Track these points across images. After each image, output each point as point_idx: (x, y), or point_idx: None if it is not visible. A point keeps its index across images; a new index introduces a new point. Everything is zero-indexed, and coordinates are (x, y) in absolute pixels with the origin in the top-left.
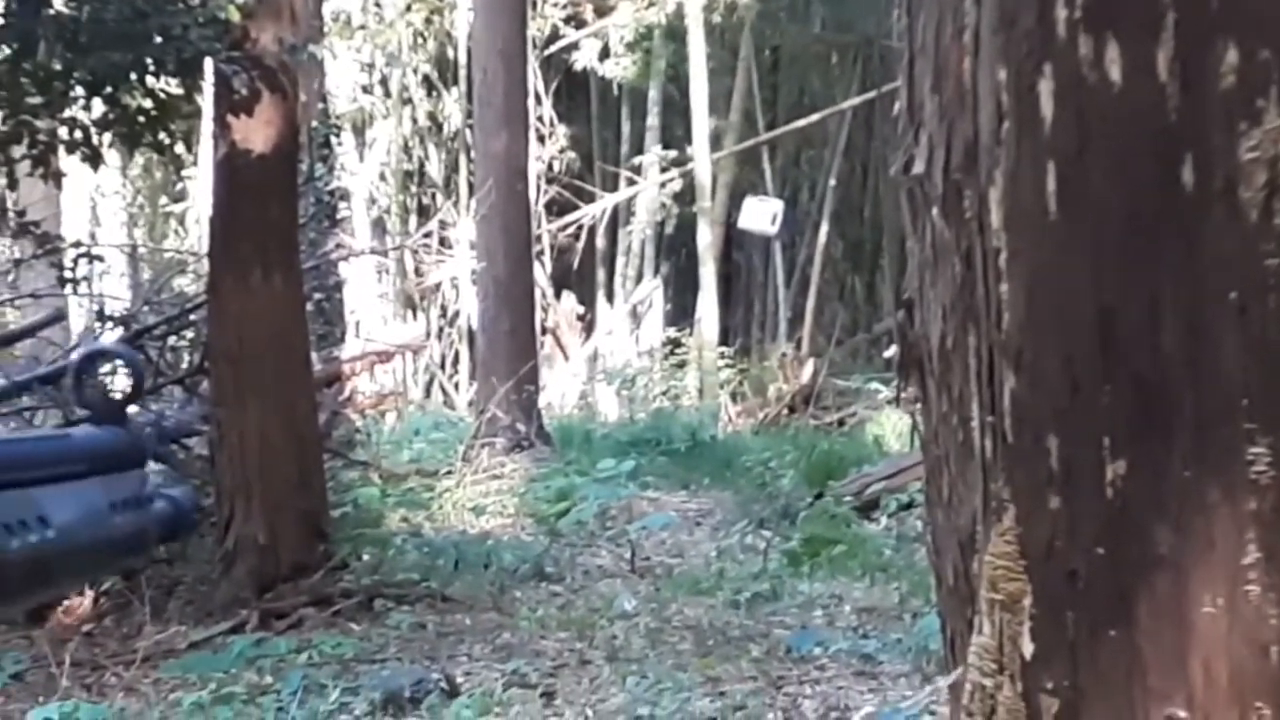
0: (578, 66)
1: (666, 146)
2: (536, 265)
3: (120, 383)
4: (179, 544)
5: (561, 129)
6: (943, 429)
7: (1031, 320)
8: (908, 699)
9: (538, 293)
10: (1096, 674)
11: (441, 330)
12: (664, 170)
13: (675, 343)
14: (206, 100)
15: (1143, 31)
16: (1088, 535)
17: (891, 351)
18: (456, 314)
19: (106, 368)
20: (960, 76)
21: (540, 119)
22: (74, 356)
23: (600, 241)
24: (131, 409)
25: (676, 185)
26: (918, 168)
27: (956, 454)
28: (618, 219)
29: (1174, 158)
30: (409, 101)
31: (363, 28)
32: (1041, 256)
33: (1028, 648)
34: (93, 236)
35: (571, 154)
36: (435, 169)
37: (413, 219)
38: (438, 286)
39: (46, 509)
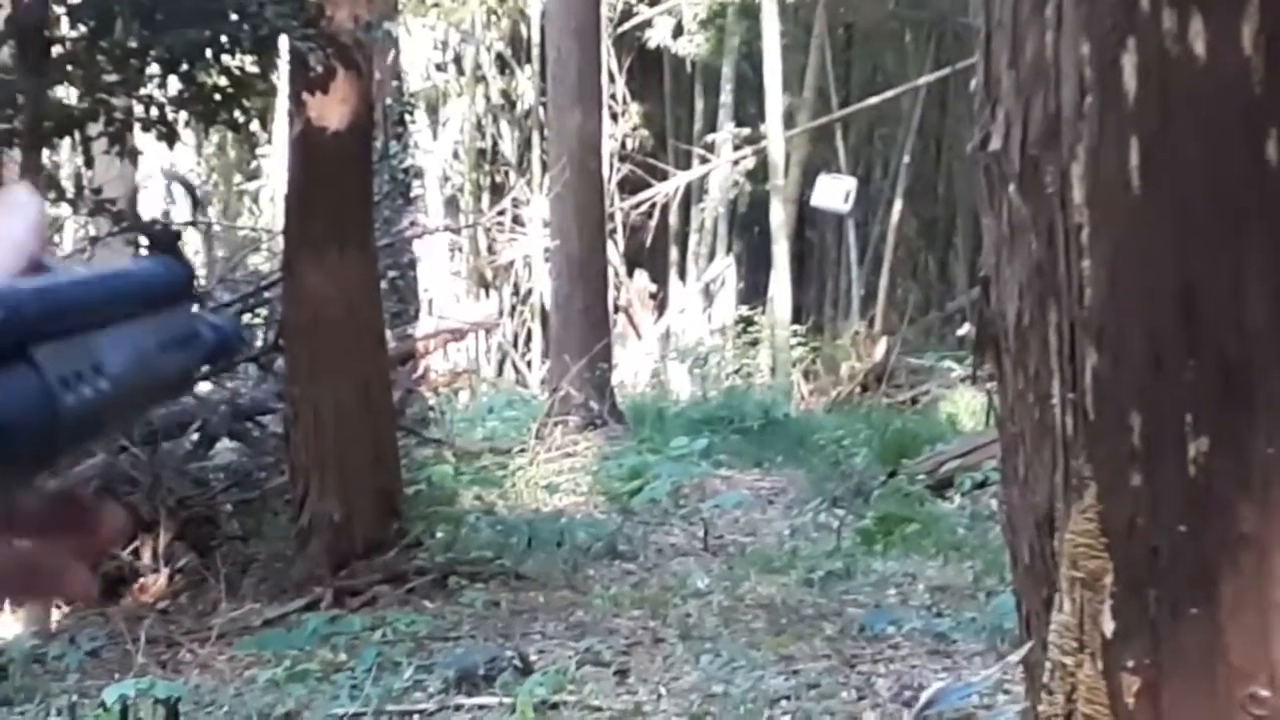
0: (651, 44)
1: (739, 124)
2: (609, 243)
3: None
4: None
5: (635, 107)
6: (1019, 406)
7: (1114, 296)
8: (983, 678)
9: (610, 271)
10: (1178, 652)
11: (514, 308)
12: (737, 148)
13: (748, 321)
14: (282, 78)
15: (1228, 5)
16: (1170, 513)
17: (966, 329)
18: (529, 292)
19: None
20: (1040, 51)
21: (613, 97)
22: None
23: (673, 219)
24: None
25: (749, 163)
26: (994, 144)
27: (1033, 431)
28: (690, 197)
29: (1259, 132)
30: (482, 79)
31: (436, 5)
32: (1124, 232)
33: (1109, 626)
34: (167, 214)
35: (644, 132)
36: (508, 147)
37: (486, 197)
38: (511, 264)
39: (102, 356)
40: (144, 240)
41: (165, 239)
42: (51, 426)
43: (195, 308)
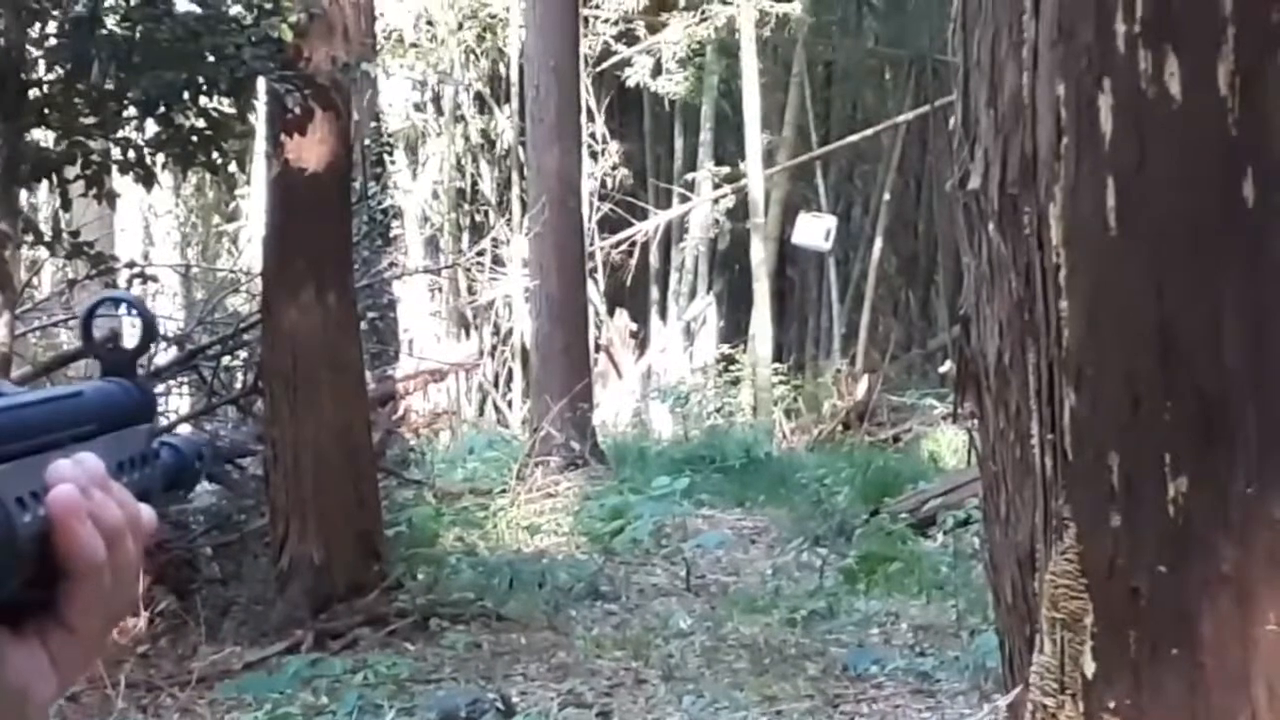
0: (630, 83)
1: (719, 162)
2: (590, 282)
3: (132, 333)
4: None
5: (614, 145)
6: (1000, 445)
7: (1092, 337)
8: (966, 717)
9: (591, 310)
10: (1159, 693)
11: (495, 348)
12: (717, 186)
13: (729, 359)
14: (260, 119)
15: (1203, 44)
16: (1150, 553)
17: (947, 367)
18: (510, 332)
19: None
20: (1018, 91)
21: (593, 135)
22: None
23: (653, 258)
24: (140, 361)
25: (729, 201)
26: (973, 183)
27: (1014, 470)
28: (671, 235)
29: (1235, 171)
30: (461, 119)
31: (415, 45)
32: (1102, 272)
33: (1089, 666)
34: (146, 256)
35: (624, 170)
36: (488, 186)
37: (465, 237)
38: (491, 304)
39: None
40: (97, 364)
41: (120, 361)
42: (10, 549)
43: (152, 429)
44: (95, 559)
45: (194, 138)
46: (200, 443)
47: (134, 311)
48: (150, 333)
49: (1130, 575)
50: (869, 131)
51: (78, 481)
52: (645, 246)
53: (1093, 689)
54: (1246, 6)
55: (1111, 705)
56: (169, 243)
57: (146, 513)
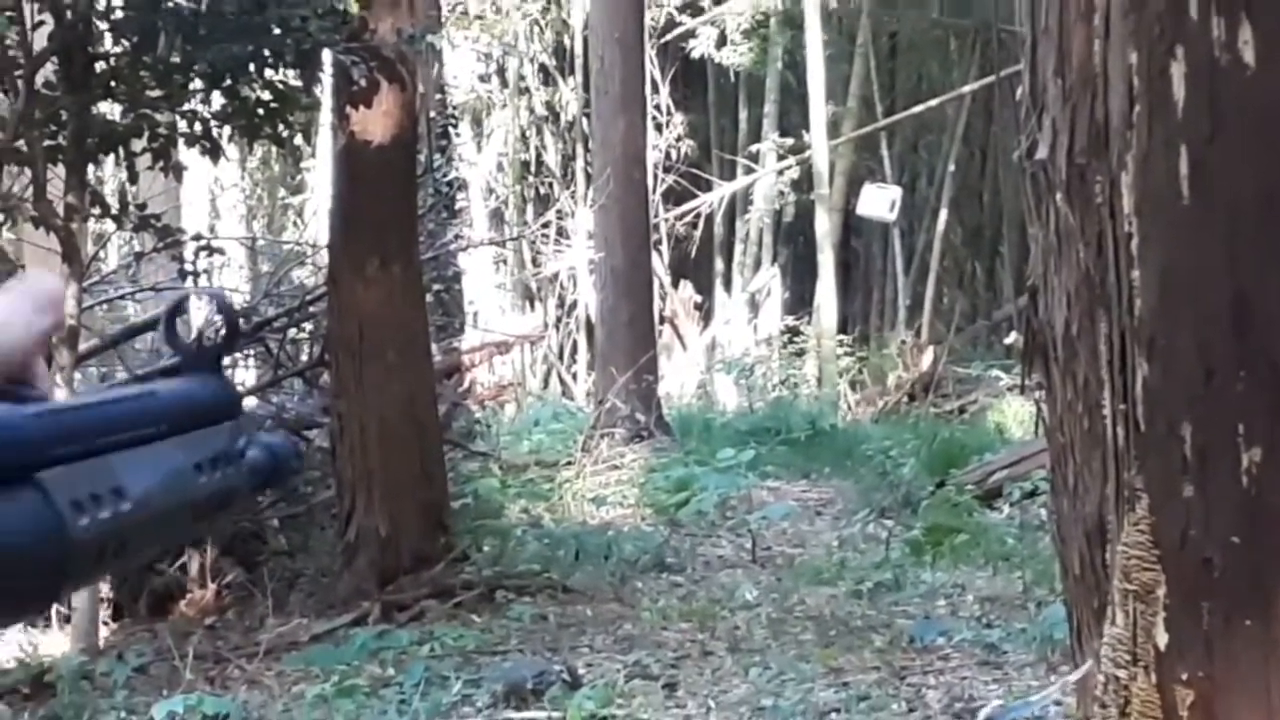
0: (695, 54)
1: (784, 134)
2: (654, 254)
3: (215, 330)
4: (298, 530)
5: (679, 117)
6: (1068, 416)
7: (1164, 306)
8: (1034, 689)
9: (656, 282)
10: (1232, 665)
11: (559, 320)
12: (781, 158)
13: (794, 331)
14: (325, 92)
15: (1278, 12)
16: (1223, 524)
17: (1013, 338)
18: (574, 304)
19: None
20: (1087, 59)
21: (657, 107)
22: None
23: (718, 230)
24: (225, 358)
25: (794, 173)
26: (1041, 152)
27: (1082, 442)
28: (735, 207)
29: None
30: (526, 91)
31: (480, 17)
32: (1174, 241)
33: (1162, 639)
34: (212, 229)
35: (689, 142)
36: (552, 158)
37: (530, 209)
38: (556, 276)
39: (123, 478)
40: (180, 358)
41: (202, 357)
42: (61, 552)
43: (243, 425)
44: None
45: (260, 110)
46: (294, 442)
47: (217, 308)
48: (234, 330)
49: (1203, 546)
50: (934, 102)
51: None
52: (710, 218)
53: (1165, 661)
54: None
55: (1184, 677)
56: (235, 216)
57: None
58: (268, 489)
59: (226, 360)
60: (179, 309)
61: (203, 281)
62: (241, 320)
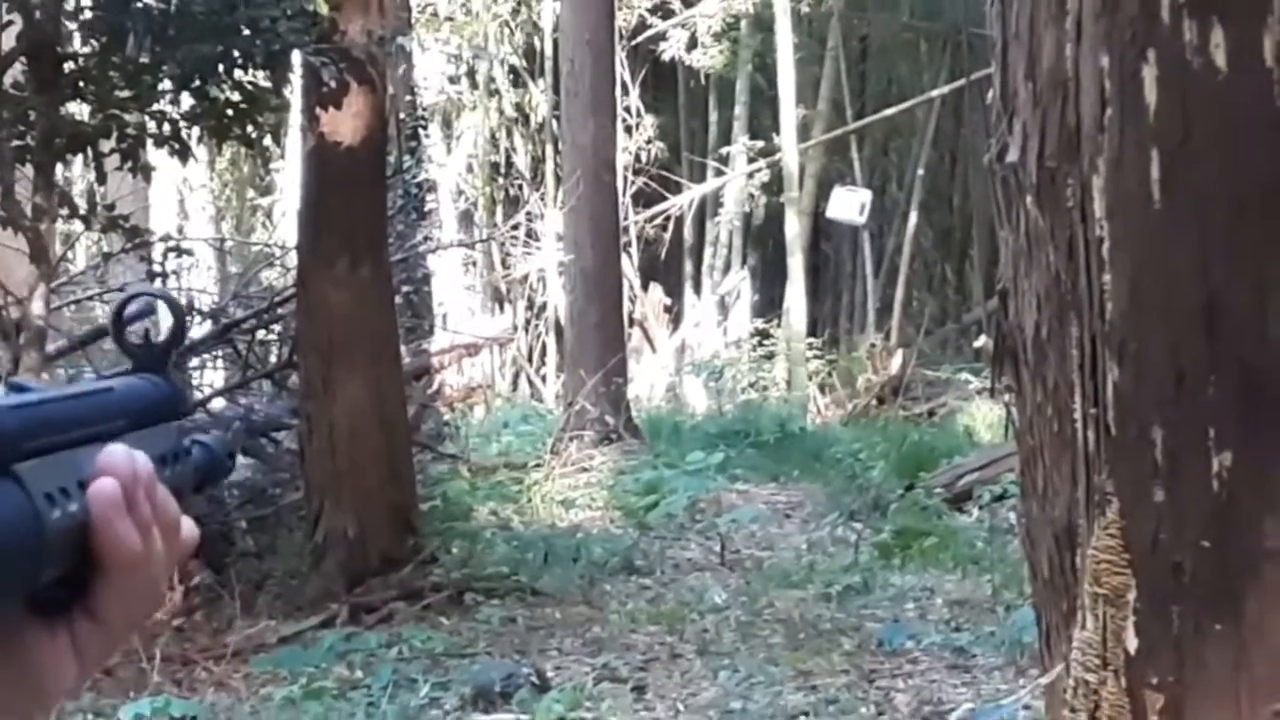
0: (665, 56)
1: (754, 136)
2: (624, 256)
3: (163, 328)
4: (263, 535)
5: (649, 119)
6: (1038, 420)
7: (1136, 310)
8: (1003, 693)
9: (625, 284)
10: (1202, 669)
11: (529, 322)
12: (751, 160)
13: (763, 334)
14: (295, 93)
15: (1249, 16)
16: (1193, 528)
17: (982, 341)
18: (544, 306)
19: (143, 312)
20: (1058, 63)
21: (627, 109)
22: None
23: (688, 232)
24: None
25: (764, 175)
26: (1012, 155)
27: (1052, 445)
28: (705, 209)
29: None
30: (496, 93)
31: (450, 19)
32: (1146, 245)
33: (1132, 643)
34: (181, 230)
35: (659, 144)
36: (522, 160)
37: (500, 211)
38: (525, 278)
39: (86, 472)
40: (128, 359)
41: (151, 356)
42: (38, 544)
43: (182, 426)
44: (132, 556)
45: (229, 111)
46: (230, 441)
47: (166, 307)
48: (181, 328)
49: (1174, 551)
50: (904, 105)
51: (123, 475)
52: (680, 221)
53: (1135, 665)
54: None
55: (1154, 681)
56: (204, 216)
57: (188, 524)
58: (206, 487)
59: (195, 361)
60: (126, 306)
61: (171, 282)
62: (209, 323)
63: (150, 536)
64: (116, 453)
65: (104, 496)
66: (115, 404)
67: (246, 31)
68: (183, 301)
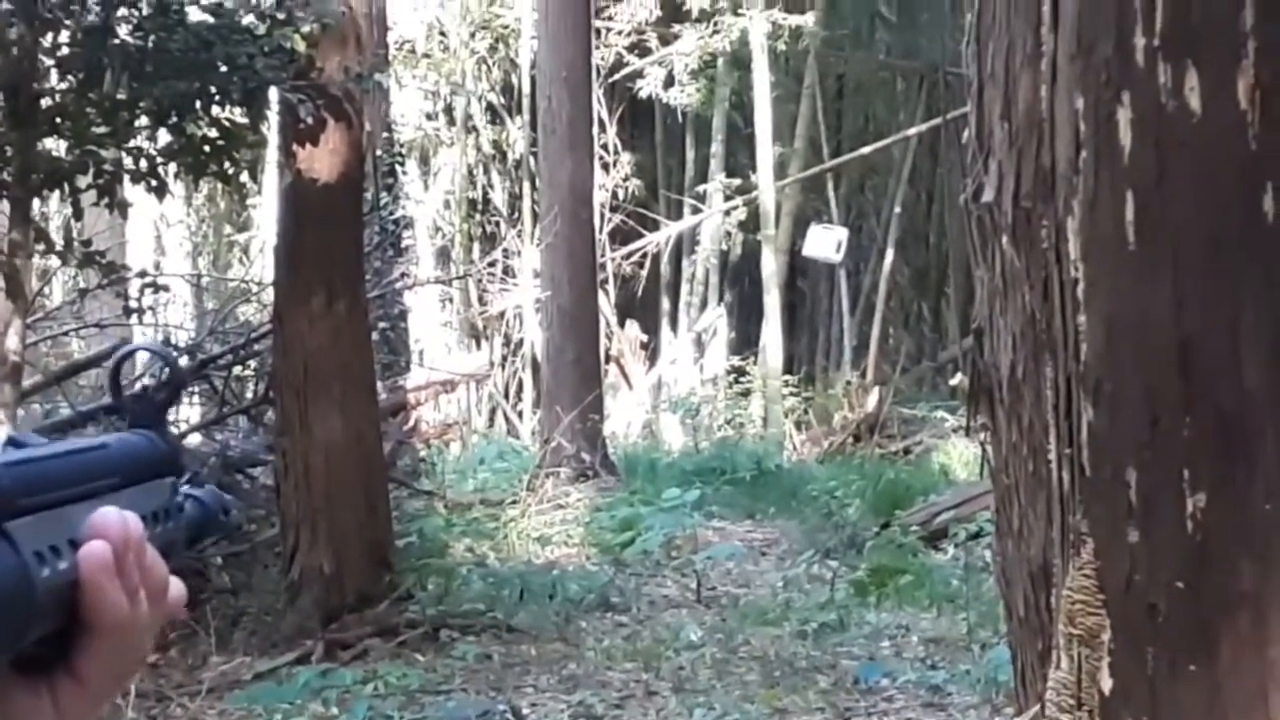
0: (642, 94)
1: (731, 174)
2: (601, 293)
3: (160, 384)
4: (241, 571)
5: (626, 156)
6: (1013, 459)
7: (1110, 351)
8: None
9: (602, 321)
10: (1176, 710)
11: (505, 359)
12: (728, 198)
13: (740, 371)
14: (272, 129)
15: (1223, 59)
16: (1168, 569)
17: (958, 380)
18: (520, 343)
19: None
20: (1034, 104)
21: (604, 146)
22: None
23: (664, 269)
24: (169, 412)
25: (741, 213)
26: (987, 195)
27: (1027, 484)
28: (682, 247)
29: (1255, 186)
30: (473, 129)
31: (427, 56)
32: (1120, 286)
33: (1106, 683)
34: (157, 266)
35: (636, 182)
36: (500, 197)
37: (476, 247)
38: (502, 315)
39: (79, 530)
40: (124, 413)
41: (146, 412)
42: (27, 602)
43: (178, 481)
44: (119, 619)
45: (206, 147)
46: (224, 496)
47: (161, 363)
48: (178, 384)
49: (1148, 592)
50: (880, 144)
51: (114, 538)
52: (656, 258)
53: (1110, 705)
54: (1267, 20)
55: None
56: (180, 252)
57: (176, 585)
58: (201, 541)
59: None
60: (122, 363)
61: (148, 318)
62: (185, 358)
63: (137, 600)
64: (109, 515)
65: (94, 560)
66: (110, 461)
67: (224, 68)
68: (172, 352)
